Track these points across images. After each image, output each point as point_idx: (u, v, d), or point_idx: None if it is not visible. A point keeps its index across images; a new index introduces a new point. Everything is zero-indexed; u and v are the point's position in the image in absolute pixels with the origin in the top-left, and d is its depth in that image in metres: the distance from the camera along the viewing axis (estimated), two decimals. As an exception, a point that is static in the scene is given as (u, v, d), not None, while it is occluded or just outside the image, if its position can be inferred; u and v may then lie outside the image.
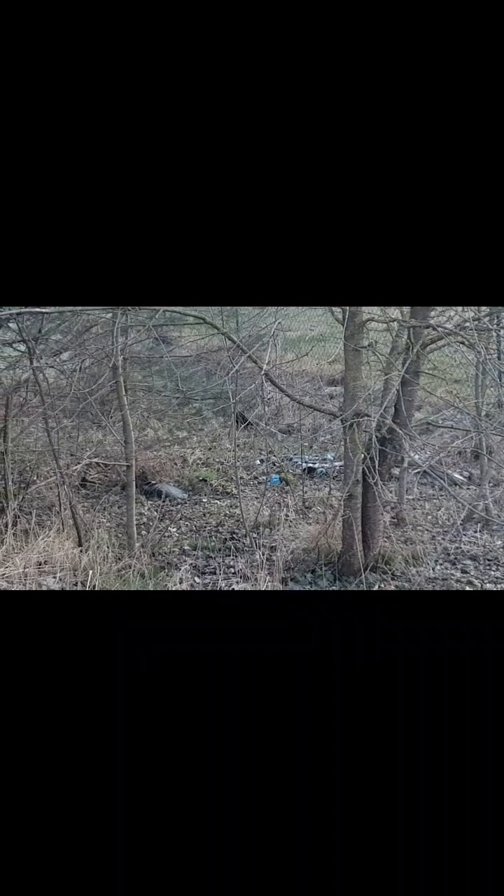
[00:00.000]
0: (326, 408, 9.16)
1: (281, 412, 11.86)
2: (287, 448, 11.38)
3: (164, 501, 9.47)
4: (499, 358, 8.32)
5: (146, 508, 9.21)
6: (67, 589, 6.46)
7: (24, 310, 6.48)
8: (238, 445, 10.27)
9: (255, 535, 7.99)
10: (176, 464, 10.50)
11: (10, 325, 8.17)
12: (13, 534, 7.16)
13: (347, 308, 6.88)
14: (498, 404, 9.39)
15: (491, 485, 9.01)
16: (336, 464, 10.11)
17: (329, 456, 10.95)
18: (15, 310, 6.48)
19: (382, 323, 7.13)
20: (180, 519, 8.98)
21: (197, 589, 6.85)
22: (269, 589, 6.57)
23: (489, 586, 7.19)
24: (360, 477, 7.11)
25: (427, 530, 8.42)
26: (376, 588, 7.04)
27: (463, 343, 7.42)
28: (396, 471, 8.57)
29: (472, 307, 7.37)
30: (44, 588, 6.42)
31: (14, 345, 8.54)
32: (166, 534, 8.43)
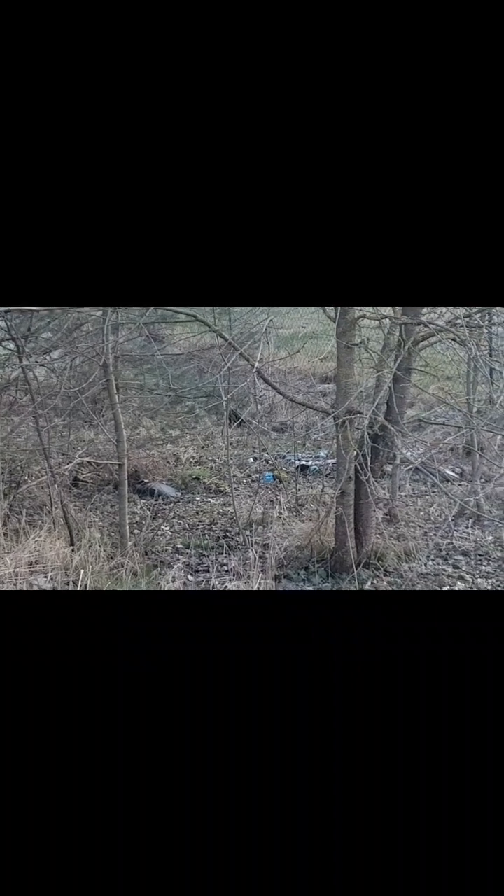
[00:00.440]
0: (319, 405, 9.16)
1: (274, 410, 11.85)
2: (280, 446, 11.37)
3: (156, 500, 9.46)
4: (490, 354, 8.34)
5: (139, 507, 9.20)
6: (59, 588, 6.45)
7: (12, 308, 6.45)
8: (231, 443, 10.27)
9: (248, 533, 7.99)
10: (169, 462, 10.48)
11: (-1, 323, 8.15)
12: (4, 533, 7.16)
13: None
14: (489, 401, 9.41)
15: (482, 481, 9.03)
16: (329, 461, 10.11)
17: (322, 453, 10.95)
18: (3, 308, 6.45)
19: (374, 320, 7.13)
20: (173, 517, 8.98)
21: (190, 587, 6.85)
22: (263, 586, 6.57)
23: (480, 581, 7.21)
24: (352, 474, 7.12)
25: (419, 526, 8.43)
26: (369, 584, 7.06)
27: (454, 340, 7.44)
28: (389, 468, 8.58)
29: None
30: (35, 588, 6.41)
31: (3, 343, 8.52)
32: (159, 532, 8.43)
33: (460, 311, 7.32)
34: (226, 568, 7.42)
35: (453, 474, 10.07)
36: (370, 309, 7.08)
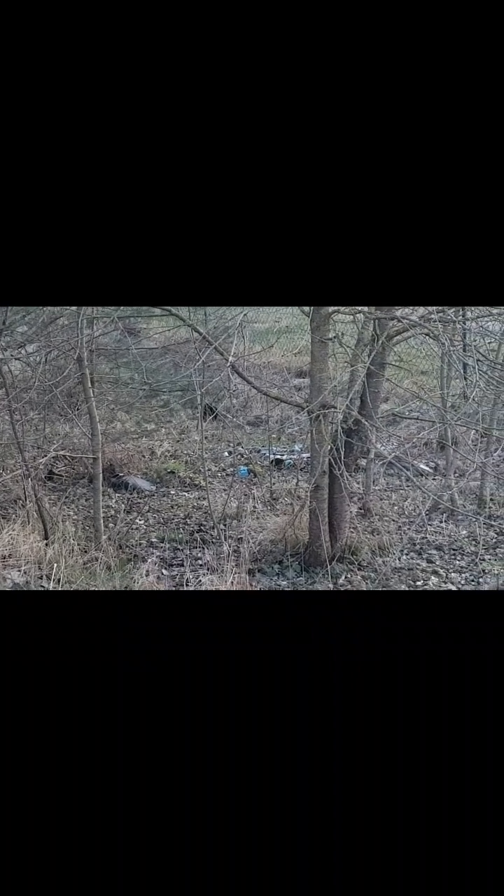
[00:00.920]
0: (293, 399, 9.17)
1: (249, 404, 11.84)
2: (255, 440, 11.38)
3: (131, 494, 9.45)
4: (464, 350, 8.36)
5: (114, 501, 9.17)
6: (32, 583, 6.44)
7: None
8: (206, 437, 10.25)
9: (222, 527, 7.99)
10: (144, 456, 10.45)
11: (-26, 317, 8.09)
12: (-23, 527, 7.13)
13: (314, 300, 6.90)
14: (463, 396, 9.46)
15: (456, 475, 9.08)
16: (304, 455, 10.13)
17: (297, 447, 10.96)
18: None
19: (348, 315, 7.15)
20: (148, 511, 8.96)
21: (164, 581, 6.85)
22: (237, 580, 6.59)
23: (454, 576, 7.26)
24: (326, 468, 7.14)
25: (393, 521, 8.47)
26: (343, 579, 7.09)
27: (428, 335, 7.47)
28: (363, 462, 8.61)
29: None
30: (9, 582, 6.39)
31: (-22, 337, 8.46)
32: (133, 526, 8.42)
33: (434, 306, 7.36)
34: (200, 562, 7.43)
35: (427, 469, 10.12)
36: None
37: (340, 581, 7.06)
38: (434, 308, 7.28)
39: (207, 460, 10.08)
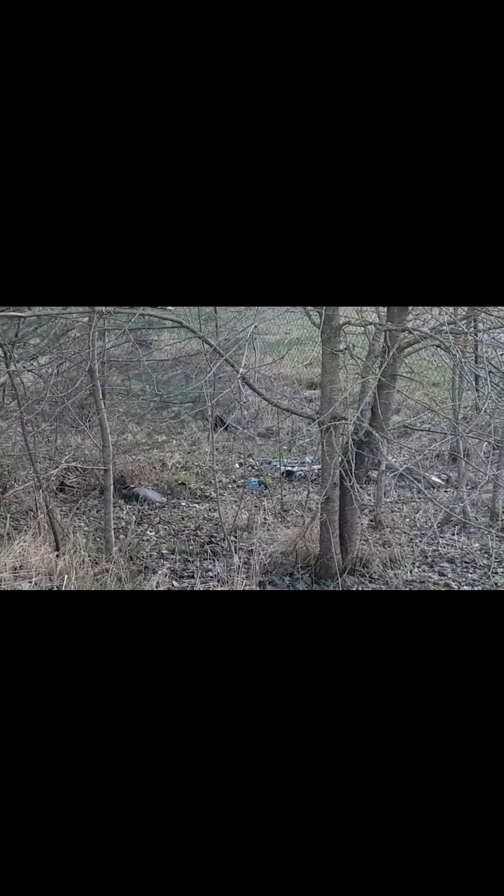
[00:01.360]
0: (304, 411, 9.17)
1: (259, 415, 11.85)
2: (265, 451, 11.37)
3: (142, 505, 9.45)
4: (475, 361, 8.34)
5: (124, 512, 9.18)
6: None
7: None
8: (217, 449, 10.26)
9: (233, 539, 7.98)
10: (155, 467, 10.46)
11: (-14, 329, 8.13)
12: (-11, 538, 7.14)
13: (324, 311, 6.91)
14: (475, 407, 9.44)
15: (468, 487, 9.05)
16: (314, 467, 10.11)
17: (308, 459, 10.95)
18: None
19: (359, 326, 7.15)
20: (158, 523, 8.96)
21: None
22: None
23: (466, 588, 7.23)
24: (337, 480, 7.13)
25: (404, 533, 8.44)
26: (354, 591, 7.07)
27: (439, 346, 7.46)
28: (374, 474, 8.59)
29: (449, 311, 7.42)
30: (21, 593, 6.39)
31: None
32: (144, 538, 8.41)
33: (445, 317, 7.36)
34: (210, 574, 7.41)
35: (439, 481, 10.09)
36: (355, 315, 7.11)
37: (351, 593, 7.04)
38: (446, 319, 7.28)
39: (218, 472, 10.08)
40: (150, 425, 11.29)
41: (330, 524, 7.21)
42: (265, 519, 8.73)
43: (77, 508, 8.98)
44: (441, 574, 7.56)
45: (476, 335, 8.39)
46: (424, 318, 7.45)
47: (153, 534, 8.61)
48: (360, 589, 7.11)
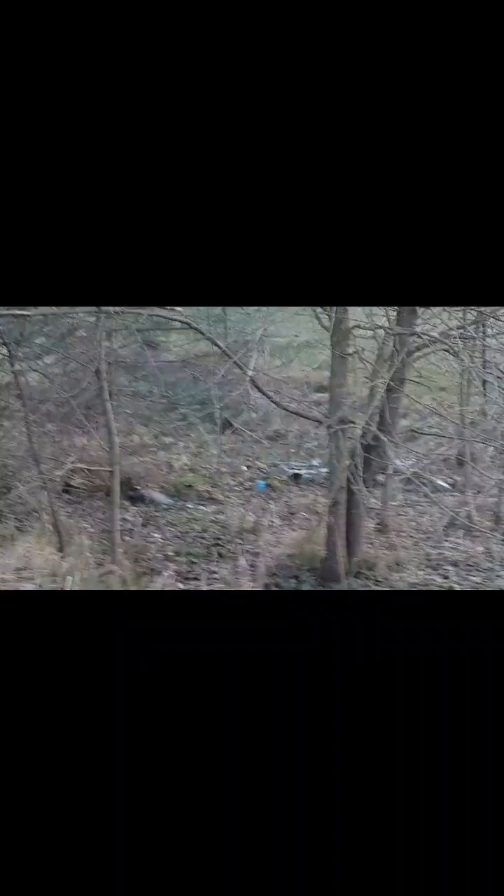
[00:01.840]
0: (312, 414, 9.16)
1: (267, 418, 11.85)
2: (273, 454, 11.38)
3: (148, 507, 9.46)
4: (483, 366, 8.36)
5: (130, 514, 9.18)
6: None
7: (4, 312, 6.41)
8: (224, 451, 10.27)
9: (239, 541, 7.98)
10: (162, 469, 10.47)
11: (-8, 328, 8.13)
12: (-7, 539, 7.15)
13: (334, 314, 6.92)
14: (482, 412, 9.44)
15: (474, 492, 9.05)
16: (322, 470, 10.11)
17: (315, 462, 10.95)
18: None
19: (368, 330, 7.15)
20: (165, 524, 8.97)
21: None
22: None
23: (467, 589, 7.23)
24: (344, 483, 7.14)
25: (410, 536, 8.45)
26: (360, 594, 7.06)
27: (448, 351, 7.46)
28: (381, 477, 8.58)
29: (458, 315, 7.42)
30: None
31: (-4, 348, 8.50)
32: (150, 539, 8.41)
33: (454, 322, 7.35)
34: (216, 576, 7.42)
35: (445, 485, 10.09)
36: (364, 318, 7.11)
37: (357, 596, 7.03)
38: (455, 324, 7.28)
39: (225, 474, 10.08)
40: (157, 427, 11.30)
41: (336, 527, 7.22)
42: (272, 522, 8.73)
43: (82, 510, 8.98)
44: (445, 577, 7.56)
45: (484, 340, 8.39)
46: (434, 322, 7.45)
47: (159, 536, 8.62)
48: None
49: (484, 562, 7.93)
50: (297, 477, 10.48)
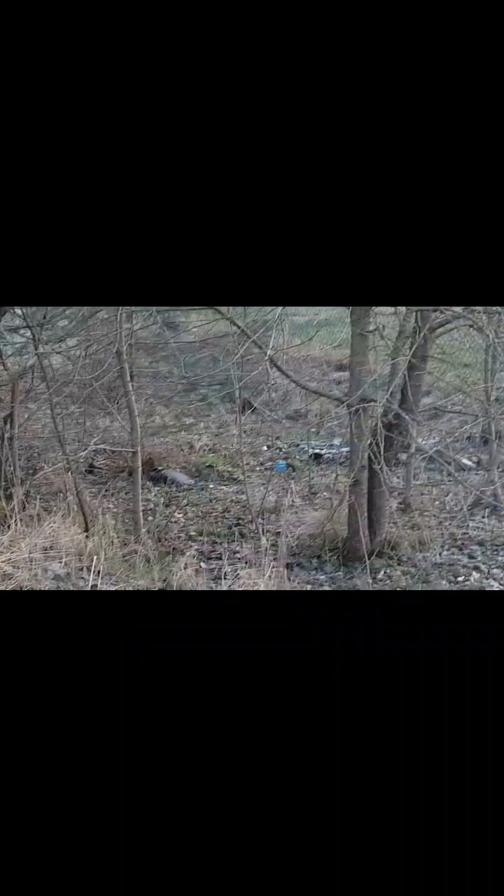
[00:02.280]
0: (333, 393, 9.13)
1: (288, 398, 11.84)
2: (294, 434, 11.37)
3: (170, 487, 9.48)
4: (508, 342, 8.27)
5: (153, 494, 9.22)
6: (73, 574, 6.47)
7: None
8: (244, 431, 10.26)
9: (261, 521, 7.99)
10: (183, 450, 10.51)
11: (16, 310, 8.15)
12: (20, 519, 7.16)
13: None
14: (508, 388, 9.36)
15: (499, 470, 8.98)
16: (343, 450, 10.09)
17: (336, 442, 10.93)
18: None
19: (389, 307, 7.08)
20: (186, 505, 8.99)
21: (202, 574, 6.85)
22: (275, 575, 6.56)
23: (496, 571, 7.19)
24: (365, 463, 7.11)
25: (434, 516, 8.41)
26: (382, 574, 7.05)
27: (472, 327, 7.39)
28: (403, 456, 8.55)
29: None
30: (49, 573, 6.42)
31: (20, 331, 8.53)
32: (172, 519, 8.44)
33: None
34: (238, 555, 7.43)
35: (469, 463, 10.03)
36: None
37: (380, 576, 7.03)
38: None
39: (246, 454, 10.08)
40: (177, 408, 11.34)
41: (358, 507, 7.20)
42: (293, 501, 8.73)
43: (106, 490, 9.02)
44: (470, 557, 7.53)
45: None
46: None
47: (181, 516, 8.65)
48: (385, 572, 7.09)
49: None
50: (317, 457, 10.46)
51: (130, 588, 6.31)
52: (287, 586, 6.44)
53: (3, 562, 6.24)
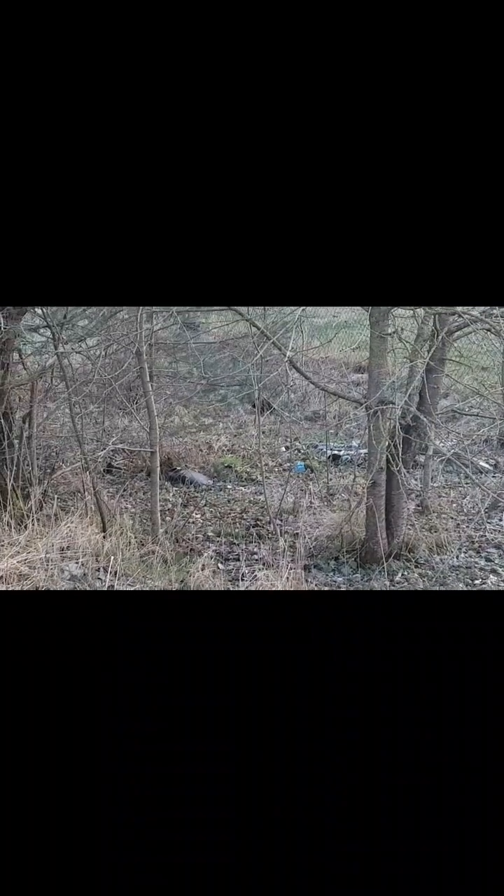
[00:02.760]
0: (351, 395, 9.12)
1: (306, 399, 11.84)
2: (312, 435, 11.36)
3: (188, 488, 9.49)
4: (526, 346, 8.25)
5: (171, 495, 9.22)
6: (90, 574, 6.48)
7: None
8: (263, 432, 10.26)
9: (279, 522, 7.98)
10: (201, 450, 10.51)
11: (36, 310, 8.17)
12: (38, 519, 7.18)
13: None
14: (525, 392, 9.33)
15: (517, 473, 8.95)
16: (361, 451, 10.07)
17: (354, 443, 10.91)
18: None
19: (408, 309, 7.08)
20: (205, 505, 8.99)
21: (220, 575, 6.85)
22: (293, 576, 6.56)
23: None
24: (384, 464, 7.10)
25: (451, 518, 8.38)
26: (399, 576, 7.04)
27: (489, 330, 7.38)
28: (421, 458, 8.53)
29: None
30: (66, 573, 6.44)
31: (40, 330, 8.54)
32: (190, 520, 8.45)
33: (495, 301, 7.23)
34: (256, 557, 7.43)
35: (487, 466, 9.99)
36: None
37: (397, 578, 7.02)
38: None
39: (264, 455, 10.07)
40: (196, 408, 11.34)
41: (376, 508, 7.19)
42: (311, 503, 8.72)
43: (124, 490, 9.03)
44: (488, 560, 7.50)
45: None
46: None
47: (199, 516, 8.64)
48: (403, 574, 7.08)
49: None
50: (335, 458, 10.44)
51: (147, 589, 6.30)
52: (305, 588, 6.44)
53: (19, 562, 6.25)
